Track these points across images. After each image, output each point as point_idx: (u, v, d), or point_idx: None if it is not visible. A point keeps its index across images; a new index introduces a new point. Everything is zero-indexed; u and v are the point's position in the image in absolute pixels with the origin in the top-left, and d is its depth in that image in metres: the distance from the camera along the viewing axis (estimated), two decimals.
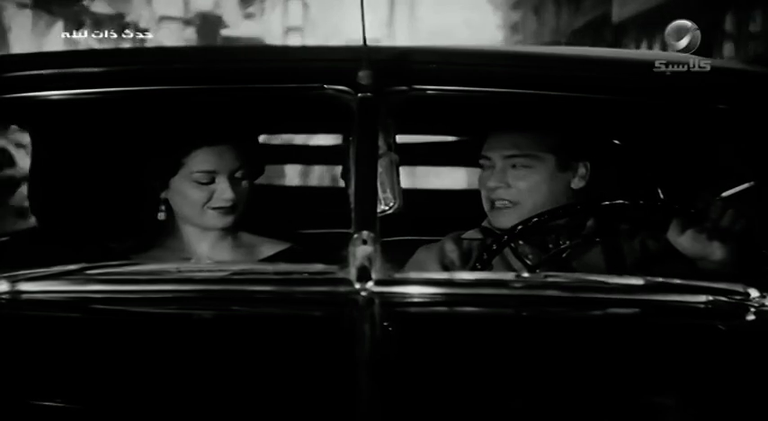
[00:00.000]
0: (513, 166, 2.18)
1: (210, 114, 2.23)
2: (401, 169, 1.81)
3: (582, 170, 2.20)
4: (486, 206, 2.22)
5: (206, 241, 2.25)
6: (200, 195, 2.19)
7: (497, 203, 2.19)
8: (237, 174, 2.19)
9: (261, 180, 2.34)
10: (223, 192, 2.18)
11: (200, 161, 2.18)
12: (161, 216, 2.24)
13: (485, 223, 2.26)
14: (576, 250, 2.17)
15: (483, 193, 2.23)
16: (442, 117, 2.77)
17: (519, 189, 2.17)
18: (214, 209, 2.19)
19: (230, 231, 2.25)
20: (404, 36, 28.79)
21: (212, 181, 2.18)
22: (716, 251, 1.92)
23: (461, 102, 2.18)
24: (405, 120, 1.89)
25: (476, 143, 2.31)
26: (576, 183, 2.20)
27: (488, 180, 2.20)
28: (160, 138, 2.23)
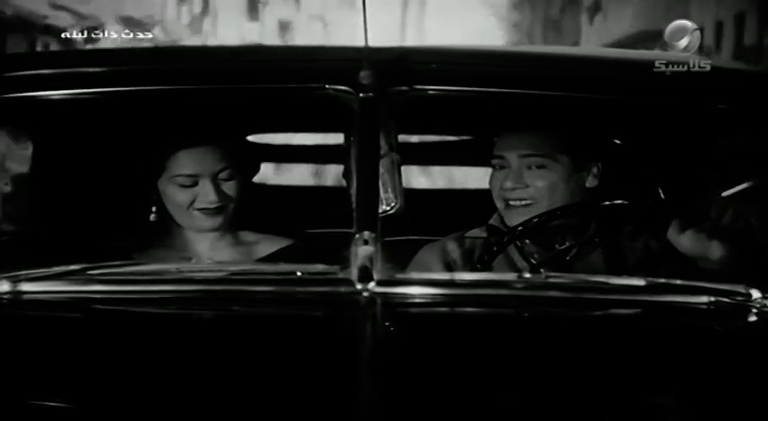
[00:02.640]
0: (529, 167, 2.18)
1: (193, 116, 2.21)
2: (403, 169, 1.81)
3: (595, 169, 2.21)
4: (499, 205, 2.21)
5: (204, 240, 2.24)
6: (183, 197, 2.18)
7: (513, 202, 2.19)
8: (222, 175, 2.18)
9: (263, 180, 2.33)
10: (206, 194, 2.16)
11: (180, 165, 2.17)
12: (152, 217, 2.24)
13: (492, 221, 2.26)
14: (579, 250, 2.17)
15: (496, 193, 2.21)
16: (444, 117, 2.76)
17: (537, 188, 2.17)
18: (199, 210, 2.18)
19: (228, 229, 2.25)
20: None
21: (195, 184, 2.17)
22: (716, 251, 1.91)
23: (462, 102, 2.18)
24: (406, 120, 1.89)
25: (477, 143, 2.31)
26: (591, 182, 2.21)
27: (504, 180, 2.19)
28: (148, 139, 2.23)
